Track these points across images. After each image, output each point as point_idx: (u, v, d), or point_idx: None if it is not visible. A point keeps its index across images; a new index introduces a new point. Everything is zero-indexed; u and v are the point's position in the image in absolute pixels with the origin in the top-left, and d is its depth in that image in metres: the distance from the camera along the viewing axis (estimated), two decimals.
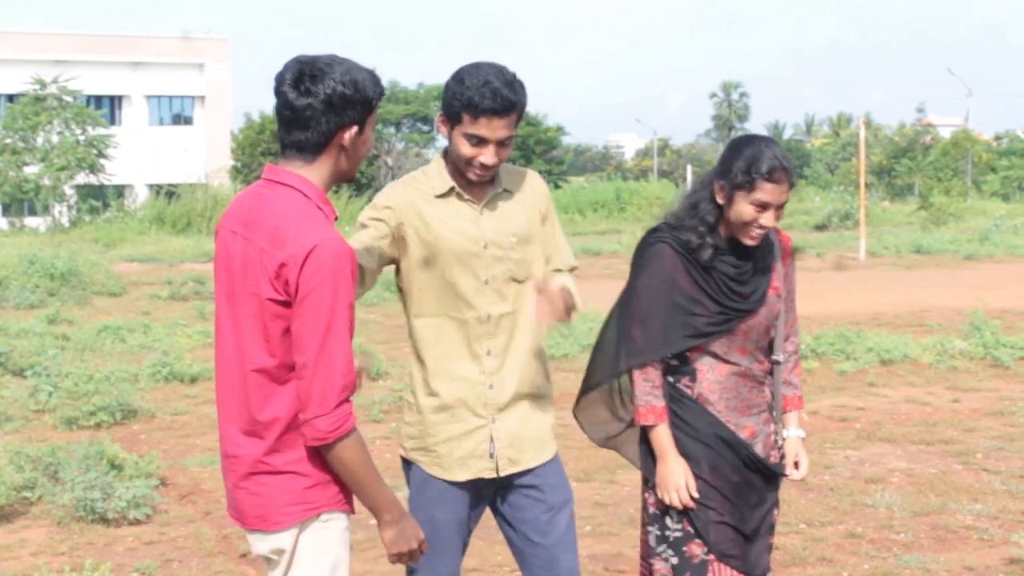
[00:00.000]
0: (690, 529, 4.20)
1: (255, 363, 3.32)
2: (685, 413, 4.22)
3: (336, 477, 3.36)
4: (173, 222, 41.75)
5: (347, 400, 3.26)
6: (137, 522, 7.34)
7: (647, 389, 4.17)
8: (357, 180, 52.09)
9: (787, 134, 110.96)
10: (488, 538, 6.99)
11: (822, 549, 6.75)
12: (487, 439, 4.13)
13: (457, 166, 4.10)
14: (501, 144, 4.01)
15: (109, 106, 57.33)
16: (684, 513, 4.19)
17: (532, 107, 75.98)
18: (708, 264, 4.16)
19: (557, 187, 66.74)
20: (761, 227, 4.10)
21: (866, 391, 11.53)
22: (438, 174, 4.16)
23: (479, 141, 3.99)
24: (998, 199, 59.85)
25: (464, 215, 4.12)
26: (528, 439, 4.18)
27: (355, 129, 3.39)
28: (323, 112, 3.33)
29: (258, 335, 3.30)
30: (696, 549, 4.20)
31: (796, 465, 4.39)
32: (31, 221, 46.53)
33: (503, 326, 4.14)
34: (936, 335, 14.05)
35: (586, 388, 4.39)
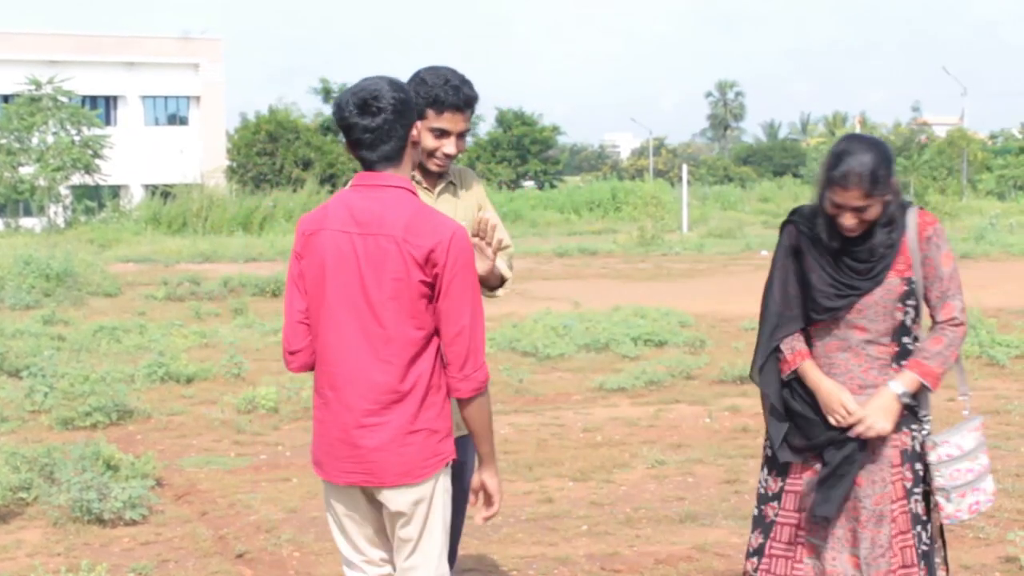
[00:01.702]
0: (770, 492, 4.60)
1: (404, 337, 3.83)
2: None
3: (450, 430, 3.94)
4: (169, 222, 41.73)
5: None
6: (133, 523, 7.34)
7: (789, 342, 4.52)
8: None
9: (782, 133, 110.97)
10: (484, 538, 7.00)
11: None
12: None
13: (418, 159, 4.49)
14: (460, 136, 4.52)
15: (104, 106, 57.22)
16: (770, 473, 4.61)
17: (528, 107, 76.03)
18: (828, 243, 4.43)
19: (552, 187, 66.71)
20: (842, 226, 4.37)
21: None
22: None
23: (442, 133, 4.48)
24: (993, 198, 59.88)
25: (424, 200, 4.46)
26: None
27: (418, 123, 3.99)
28: (395, 122, 3.86)
29: (404, 313, 3.81)
30: (769, 511, 4.62)
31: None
32: (26, 222, 46.50)
33: None
34: None
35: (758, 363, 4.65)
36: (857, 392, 4.42)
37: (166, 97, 60.89)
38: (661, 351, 13.86)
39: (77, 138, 47.03)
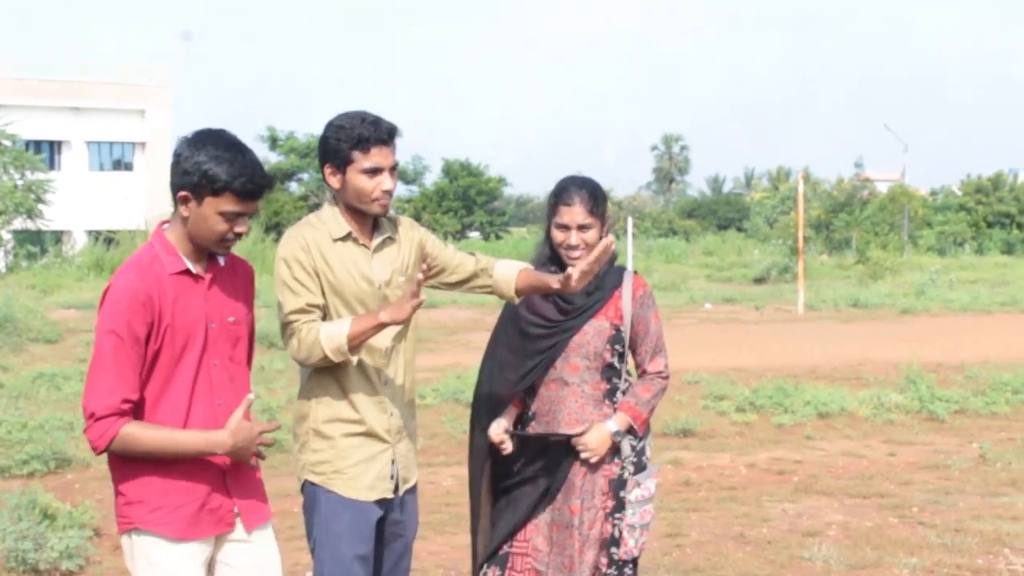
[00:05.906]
0: None
1: None
2: None
3: (148, 500, 3.82)
4: (111, 269, 41.35)
5: (108, 417, 3.69)
6: (70, 573, 7.25)
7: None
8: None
9: (727, 187, 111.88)
10: None
11: None
12: (390, 461, 4.50)
13: (354, 209, 4.43)
14: (391, 171, 4.39)
15: (48, 151, 56.81)
16: None
17: (474, 157, 76.23)
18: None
19: (498, 238, 66.84)
20: (568, 249, 4.90)
21: (803, 444, 11.61)
22: (334, 219, 4.46)
23: (375, 171, 4.35)
24: (934, 253, 60.54)
25: (360, 257, 4.44)
26: (412, 458, 4.64)
27: (186, 195, 3.82)
28: (171, 169, 3.86)
29: None
30: (504, 544, 4.98)
31: None
32: None
33: (393, 358, 4.51)
34: (873, 388, 14.19)
35: None
36: (574, 425, 4.82)
37: (111, 143, 60.58)
38: None
39: (20, 182, 46.55)
